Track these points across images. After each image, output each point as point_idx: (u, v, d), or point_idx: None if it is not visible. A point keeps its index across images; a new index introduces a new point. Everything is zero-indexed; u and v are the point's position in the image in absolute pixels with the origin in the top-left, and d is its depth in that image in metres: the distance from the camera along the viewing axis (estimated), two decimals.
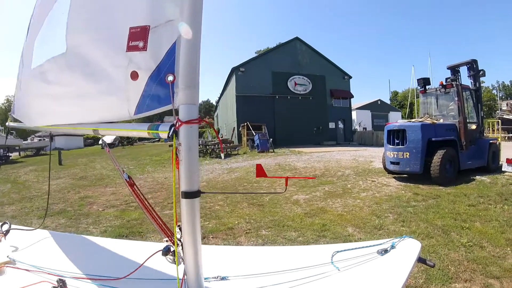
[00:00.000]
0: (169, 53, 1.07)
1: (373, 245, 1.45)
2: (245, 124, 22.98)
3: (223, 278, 1.31)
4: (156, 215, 1.26)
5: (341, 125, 29.43)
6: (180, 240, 1.12)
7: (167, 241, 1.21)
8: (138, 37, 1.11)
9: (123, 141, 39.25)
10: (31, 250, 1.61)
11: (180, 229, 1.12)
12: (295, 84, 26.97)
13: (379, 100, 46.35)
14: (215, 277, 1.31)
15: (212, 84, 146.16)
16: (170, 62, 1.07)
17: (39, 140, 32.11)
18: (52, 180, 10.81)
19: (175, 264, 1.11)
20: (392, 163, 8.06)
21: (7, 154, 22.85)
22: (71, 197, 7.53)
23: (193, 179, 1.06)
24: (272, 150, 19.39)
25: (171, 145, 1.08)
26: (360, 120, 40.57)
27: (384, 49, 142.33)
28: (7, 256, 1.45)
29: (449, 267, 3.07)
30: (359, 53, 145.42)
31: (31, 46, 1.73)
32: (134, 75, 1.14)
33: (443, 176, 7.18)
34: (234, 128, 27.08)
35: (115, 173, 11.99)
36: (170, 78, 1.04)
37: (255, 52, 47.64)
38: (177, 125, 1.04)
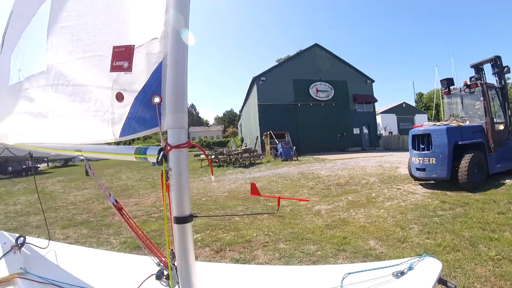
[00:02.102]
0: (154, 74, 1.04)
1: (389, 266, 1.33)
2: (268, 132, 23.01)
3: None
4: (146, 238, 1.24)
5: (365, 131, 28.86)
6: (174, 264, 1.10)
7: (158, 264, 1.18)
8: (123, 57, 1.09)
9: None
10: (42, 262, 1.67)
11: (173, 253, 1.10)
12: (317, 90, 26.84)
13: (404, 103, 45.10)
14: None
15: (234, 94, 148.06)
16: (156, 83, 1.04)
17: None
18: (78, 191, 11.19)
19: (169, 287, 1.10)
20: (418, 169, 7.73)
21: (36, 165, 23.67)
22: (95, 208, 7.72)
23: (184, 203, 1.05)
24: (295, 158, 19.28)
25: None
26: (386, 124, 39.58)
27: (405, 50, 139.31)
28: (20, 268, 1.50)
29: (475, 284, 2.86)
30: (380, 56, 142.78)
31: (7, 61, 1.70)
32: (119, 97, 1.12)
33: (471, 181, 6.80)
34: (257, 137, 27.18)
35: (140, 184, 12.30)
36: (157, 100, 1.01)
37: (276, 61, 47.83)
38: (166, 150, 1.02)
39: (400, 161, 13.39)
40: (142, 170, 17.98)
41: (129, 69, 1.08)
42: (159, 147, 1.04)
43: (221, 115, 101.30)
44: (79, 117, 1.27)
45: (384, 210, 5.73)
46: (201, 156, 21.14)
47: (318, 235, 4.47)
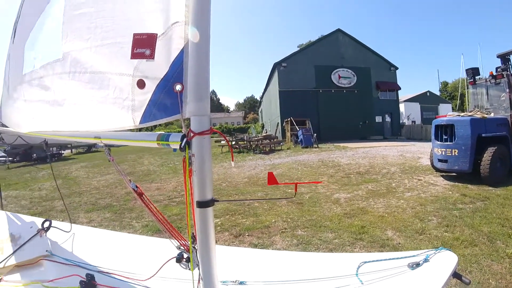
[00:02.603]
0: (176, 61, 1.03)
1: (405, 257, 1.33)
2: (289, 119, 22.83)
3: (241, 283, 1.31)
4: (167, 222, 1.27)
5: (388, 119, 28.09)
6: (194, 248, 1.14)
7: (179, 248, 1.20)
8: (144, 44, 1.08)
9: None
10: (67, 245, 1.75)
11: (194, 236, 1.14)
12: (339, 77, 26.23)
13: (428, 91, 43.26)
14: (233, 281, 1.32)
15: (255, 79, 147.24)
16: (178, 71, 1.03)
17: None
18: (101, 176, 11.57)
19: (190, 270, 1.14)
20: (439, 160, 7.53)
21: (60, 151, 24.47)
22: (118, 192, 7.97)
23: (206, 188, 1.06)
24: (316, 146, 19.09)
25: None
26: (409, 113, 38.27)
27: (431, 37, 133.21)
28: (46, 250, 1.58)
29: (490, 280, 2.80)
30: (404, 42, 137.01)
31: (21, 50, 1.69)
32: (141, 84, 1.12)
33: (493, 175, 6.59)
34: (278, 123, 27.04)
35: (162, 169, 12.58)
36: (178, 87, 1.01)
37: (297, 46, 46.86)
38: (189, 136, 1.03)
39: (422, 152, 13.05)
40: (164, 155, 18.33)
41: (151, 56, 1.07)
42: (182, 134, 1.05)
43: (242, 101, 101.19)
44: (97, 104, 1.27)
45: (403, 201, 5.66)
46: (222, 142, 21.29)
47: (336, 223, 4.49)
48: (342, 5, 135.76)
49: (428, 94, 42.88)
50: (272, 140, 21.14)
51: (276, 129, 27.46)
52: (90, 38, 1.22)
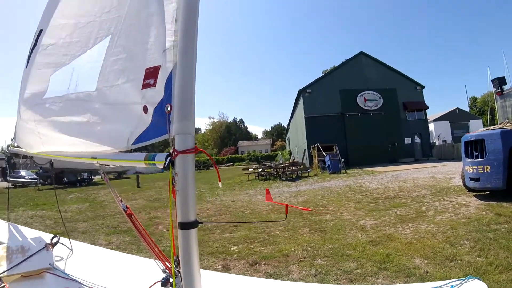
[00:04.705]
0: (167, 84, 1.10)
1: None
2: (316, 145, 22.63)
3: None
4: (154, 244, 1.26)
5: (417, 140, 27.04)
6: (179, 271, 1.10)
7: (164, 271, 1.19)
8: (151, 76, 1.18)
9: (199, 166, 41.77)
10: (69, 261, 1.83)
11: (179, 260, 1.10)
12: (365, 100, 25.91)
13: (457, 108, 41.57)
14: None
15: (282, 107, 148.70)
16: (168, 92, 1.09)
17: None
18: (128, 201, 11.74)
19: None
20: (471, 179, 7.03)
21: (90, 177, 25.55)
22: (141, 217, 8.05)
23: (189, 209, 1.04)
24: (344, 171, 18.70)
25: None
26: (439, 132, 36.80)
27: (455, 53, 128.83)
28: (49, 264, 1.66)
29: None
30: (429, 60, 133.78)
31: (45, 77, 1.85)
32: (145, 109, 1.21)
33: None
34: (304, 149, 26.85)
35: None
36: (168, 108, 1.06)
37: (322, 72, 47.09)
38: (173, 155, 1.04)
39: (454, 171, 12.39)
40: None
41: (154, 85, 1.17)
42: (167, 153, 1.07)
43: (269, 129, 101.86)
44: (107, 130, 1.43)
45: (434, 225, 5.30)
46: (249, 169, 21.36)
47: (359, 252, 4.23)
48: (364, 28, 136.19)
49: (457, 111, 41.25)
50: (298, 167, 20.92)
51: (303, 156, 27.22)
52: (120, 77, 1.38)
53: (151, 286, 1.29)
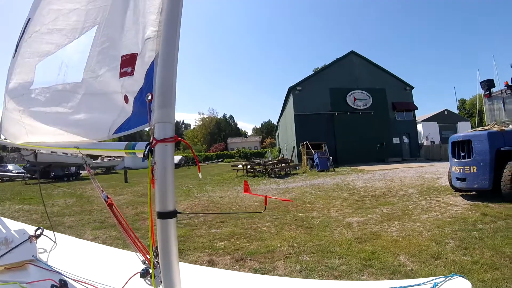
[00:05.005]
0: (148, 73, 1.09)
1: (410, 286, 1.18)
2: (305, 143, 22.79)
3: None
4: (134, 235, 1.26)
5: (406, 140, 27.53)
6: (158, 262, 1.08)
7: (144, 262, 1.17)
8: (128, 63, 1.18)
9: (188, 162, 41.59)
10: (52, 253, 1.84)
11: (157, 250, 1.08)
12: (354, 99, 26.19)
13: (446, 110, 42.49)
14: None
15: (272, 104, 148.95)
16: (149, 81, 1.08)
17: (109, 159, 35.11)
18: (115, 196, 11.75)
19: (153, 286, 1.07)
20: (458, 179, 7.14)
21: (78, 171, 25.27)
22: (128, 212, 7.99)
23: (168, 198, 1.03)
24: (332, 169, 18.87)
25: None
26: (427, 133, 37.46)
27: (445, 54, 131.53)
28: (32, 255, 1.66)
29: None
30: (418, 61, 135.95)
31: (30, 66, 1.85)
32: (126, 99, 1.21)
33: None
34: (294, 147, 26.96)
35: (177, 192, 12.62)
36: (149, 97, 1.05)
37: (312, 70, 47.17)
38: (152, 144, 1.03)
39: (442, 172, 12.67)
40: (179, 179, 18.43)
41: (131, 73, 1.16)
42: (147, 142, 1.06)
43: (259, 126, 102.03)
44: (90, 120, 1.44)
45: (419, 224, 5.36)
46: (238, 166, 21.34)
47: (345, 249, 4.25)
48: (356, 26, 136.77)
49: (445, 112, 42.13)
50: (287, 164, 20.99)
51: (292, 153, 27.33)
52: (103, 66, 1.37)
53: (130, 278, 1.27)
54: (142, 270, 1.15)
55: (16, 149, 2.39)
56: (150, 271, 1.11)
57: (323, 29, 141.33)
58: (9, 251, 1.63)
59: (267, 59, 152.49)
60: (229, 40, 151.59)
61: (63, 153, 1.71)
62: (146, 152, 1.04)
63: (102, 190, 1.32)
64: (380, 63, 28.72)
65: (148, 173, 1.04)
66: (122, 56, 1.20)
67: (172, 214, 1.02)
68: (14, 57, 2.00)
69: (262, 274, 3.32)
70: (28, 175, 21.64)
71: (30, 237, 1.78)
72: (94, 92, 1.41)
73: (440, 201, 7.22)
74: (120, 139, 1.47)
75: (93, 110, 1.43)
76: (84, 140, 1.44)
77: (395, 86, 27.31)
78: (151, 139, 1.04)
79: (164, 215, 1.01)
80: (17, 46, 1.96)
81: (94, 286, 1.38)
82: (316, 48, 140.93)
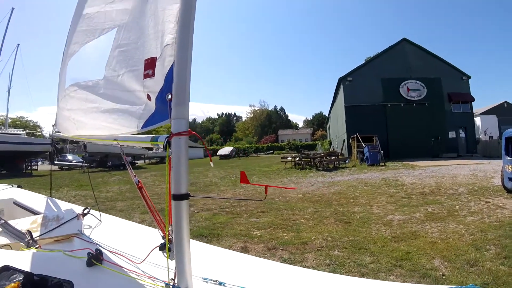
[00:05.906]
0: (168, 75, 1.25)
1: None
2: (355, 136, 22.09)
3: (220, 283, 1.35)
4: (157, 214, 1.48)
5: (462, 134, 25.23)
6: (172, 237, 1.26)
7: (163, 237, 1.36)
8: (149, 66, 1.35)
9: (239, 153, 42.61)
10: (96, 229, 2.11)
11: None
12: (408, 89, 24.58)
13: (506, 102, 38.13)
14: (213, 280, 1.36)
15: (324, 95, 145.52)
16: (169, 83, 1.24)
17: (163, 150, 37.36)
18: (160, 185, 12.57)
19: (169, 259, 1.25)
20: (510, 179, 6.58)
21: (134, 161, 27.38)
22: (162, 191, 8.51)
23: (181, 183, 1.19)
24: (383, 164, 18.16)
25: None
26: (486, 127, 33.74)
27: (505, 40, 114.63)
28: (78, 230, 1.96)
29: None
30: (475, 49, 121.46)
31: (64, 69, 2.14)
32: (148, 97, 1.38)
33: None
34: (344, 140, 26.26)
35: (222, 181, 13.23)
36: (169, 96, 1.21)
37: (365, 59, 44.87)
38: (169, 137, 1.20)
39: (497, 170, 11.53)
40: (229, 169, 19.07)
41: (152, 75, 1.33)
42: (167, 135, 1.23)
43: (310, 117, 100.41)
44: (120, 115, 1.64)
45: (463, 226, 5.05)
46: (288, 158, 21.37)
47: (379, 247, 4.18)
48: (407, 13, 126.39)
49: (505, 105, 37.75)
50: (336, 157, 20.58)
51: (343, 146, 26.62)
52: (123, 67, 1.56)
53: (151, 251, 1.47)
54: (161, 244, 1.34)
55: (72, 141, 2.74)
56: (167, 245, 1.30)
57: (375, 14, 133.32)
58: (58, 226, 1.93)
59: (318, 48, 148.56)
60: (277, 34, 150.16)
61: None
62: (165, 144, 1.21)
63: (135, 175, 1.55)
64: (434, 51, 26.37)
65: (167, 162, 1.20)
66: (145, 60, 1.37)
67: (185, 196, 1.19)
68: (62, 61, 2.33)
69: (287, 264, 3.37)
70: (86, 164, 23.85)
71: (77, 215, 2.08)
72: (120, 89, 1.59)
73: (489, 202, 6.72)
74: (150, 133, 1.69)
75: (122, 105, 1.63)
76: (121, 134, 1.65)
77: (451, 76, 25.01)
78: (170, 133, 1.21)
79: (178, 197, 1.18)
80: (63, 53, 2.29)
81: (123, 256, 1.60)
82: (368, 36, 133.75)
